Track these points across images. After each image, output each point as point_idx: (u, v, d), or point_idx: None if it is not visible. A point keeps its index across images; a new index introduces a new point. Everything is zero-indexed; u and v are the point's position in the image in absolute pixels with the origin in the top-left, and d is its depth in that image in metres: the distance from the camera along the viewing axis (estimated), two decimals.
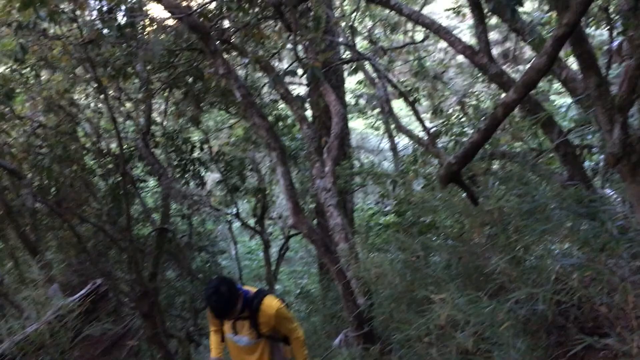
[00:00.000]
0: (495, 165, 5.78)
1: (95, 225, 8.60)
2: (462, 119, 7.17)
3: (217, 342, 4.13)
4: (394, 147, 12.08)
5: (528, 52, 13.12)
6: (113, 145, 9.50)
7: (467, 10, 9.34)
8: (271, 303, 3.75)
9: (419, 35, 11.27)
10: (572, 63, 6.14)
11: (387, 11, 9.91)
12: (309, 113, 8.87)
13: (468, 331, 2.65)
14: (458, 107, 9.12)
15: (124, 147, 8.52)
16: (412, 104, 7.62)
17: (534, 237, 3.15)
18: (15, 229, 5.85)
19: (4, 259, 6.97)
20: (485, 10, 5.02)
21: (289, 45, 8.14)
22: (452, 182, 3.28)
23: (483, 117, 5.30)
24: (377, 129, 14.12)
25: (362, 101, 13.83)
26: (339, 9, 10.15)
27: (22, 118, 7.75)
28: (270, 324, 3.75)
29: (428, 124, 7.66)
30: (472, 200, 3.36)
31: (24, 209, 6.43)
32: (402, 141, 11.87)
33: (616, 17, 5.11)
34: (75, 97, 8.85)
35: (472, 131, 5.86)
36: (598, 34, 8.42)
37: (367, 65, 8.95)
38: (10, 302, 5.38)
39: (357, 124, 16.04)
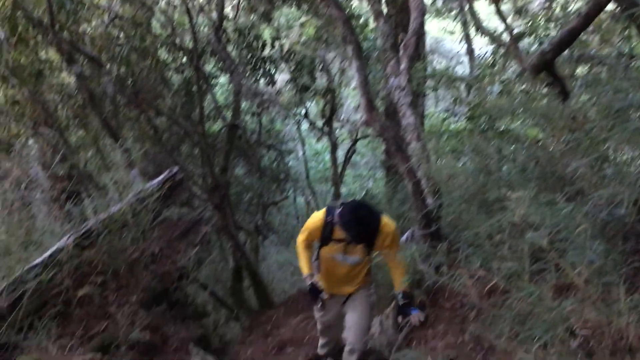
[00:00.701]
0: (581, 71, 5.46)
1: (170, 118, 8.84)
2: (549, 20, 6.75)
3: (309, 259, 3.99)
4: (470, 51, 11.58)
5: None
6: (187, 40, 9.55)
7: None
8: (389, 222, 3.72)
9: None
10: None
11: None
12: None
13: (543, 231, 2.60)
14: (545, 7, 8.53)
15: (197, 42, 8.54)
16: (496, 2, 7.18)
17: (624, 135, 2.98)
18: (98, 115, 6.09)
19: (88, 146, 7.34)
20: None
21: None
22: (543, 71, 3.12)
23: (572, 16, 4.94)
24: (452, 32, 13.53)
25: (439, 1, 13.16)
26: None
27: (100, 8, 7.84)
28: (384, 243, 3.71)
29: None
30: (562, 92, 3.20)
31: (105, 96, 6.66)
32: (479, 44, 11.34)
33: None
34: None
35: (557, 31, 5.50)
36: None
37: None
38: (94, 183, 5.72)
39: (432, 27, 15.40)
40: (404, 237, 4.87)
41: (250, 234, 11.04)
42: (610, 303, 2.32)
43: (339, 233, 3.66)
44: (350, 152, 13.04)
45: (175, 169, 5.16)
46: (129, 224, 4.39)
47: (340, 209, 3.63)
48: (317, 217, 3.81)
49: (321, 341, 4.50)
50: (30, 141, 7.05)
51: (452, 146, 5.87)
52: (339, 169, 12.48)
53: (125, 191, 4.75)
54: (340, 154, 13.75)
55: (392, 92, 4.98)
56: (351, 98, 14.16)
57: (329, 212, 3.71)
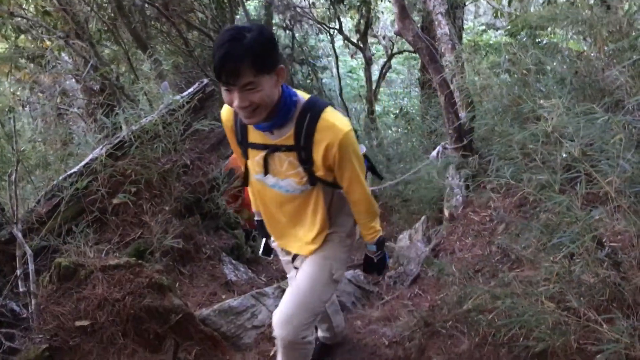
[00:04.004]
0: None
1: (201, 31, 8.73)
2: None
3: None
4: None
5: None
6: None
7: None
8: (336, 119, 2.05)
9: None
10: None
11: None
12: None
13: (576, 141, 2.53)
14: None
15: None
16: None
17: None
18: (127, 25, 6.05)
19: (120, 59, 7.35)
20: None
21: None
22: None
23: None
24: None
25: None
26: None
27: None
28: (327, 157, 2.09)
29: None
30: None
31: (133, 7, 6.58)
32: None
33: None
34: None
35: None
36: None
37: None
38: (125, 95, 5.76)
39: None
40: (434, 152, 4.83)
41: None
42: None
43: (255, 133, 2.21)
44: (385, 68, 12.76)
45: (206, 81, 5.13)
46: (161, 135, 4.42)
47: None
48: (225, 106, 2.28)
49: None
50: (63, 54, 7.08)
51: (491, 61, 5.69)
52: (374, 87, 12.26)
53: (156, 103, 4.77)
54: (375, 71, 13.49)
55: (427, 1, 4.79)
56: (387, 13, 13.71)
57: None
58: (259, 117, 1.99)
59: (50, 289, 2.96)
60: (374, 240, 2.45)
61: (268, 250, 2.79)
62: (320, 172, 2.16)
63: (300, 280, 2.38)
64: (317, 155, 2.09)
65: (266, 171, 2.24)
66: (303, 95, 2.13)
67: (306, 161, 2.13)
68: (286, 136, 2.11)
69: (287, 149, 2.14)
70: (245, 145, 2.28)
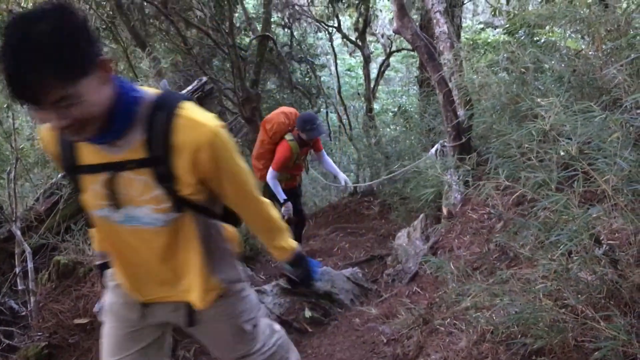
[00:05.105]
0: None
1: (200, 29, 8.72)
2: None
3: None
4: None
5: None
6: None
7: None
8: (199, 114, 1.57)
9: None
10: None
11: None
12: None
13: (574, 139, 2.53)
14: None
15: None
16: None
17: None
18: (126, 24, 6.05)
19: (119, 57, 7.35)
20: None
21: None
22: None
23: None
24: None
25: None
26: None
27: None
28: (198, 172, 1.57)
29: None
30: None
31: (132, 5, 6.58)
32: None
33: None
34: None
35: None
36: None
37: None
38: None
39: None
40: (432, 151, 4.83)
41: None
42: (639, 212, 2.28)
43: (89, 151, 1.58)
44: (384, 66, 12.76)
45: (204, 79, 5.15)
46: None
47: None
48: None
49: None
50: None
51: (489, 60, 5.70)
52: (372, 85, 12.26)
53: None
54: (374, 69, 13.50)
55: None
56: (386, 11, 13.73)
57: None
58: (91, 131, 1.43)
59: (49, 287, 2.97)
60: (287, 260, 2.00)
61: None
62: (187, 191, 1.59)
63: (222, 338, 1.91)
64: (181, 166, 1.54)
65: (115, 203, 1.59)
66: (149, 91, 1.58)
67: (166, 177, 1.56)
68: (134, 146, 1.54)
69: (137, 165, 1.56)
70: (75, 172, 1.62)
